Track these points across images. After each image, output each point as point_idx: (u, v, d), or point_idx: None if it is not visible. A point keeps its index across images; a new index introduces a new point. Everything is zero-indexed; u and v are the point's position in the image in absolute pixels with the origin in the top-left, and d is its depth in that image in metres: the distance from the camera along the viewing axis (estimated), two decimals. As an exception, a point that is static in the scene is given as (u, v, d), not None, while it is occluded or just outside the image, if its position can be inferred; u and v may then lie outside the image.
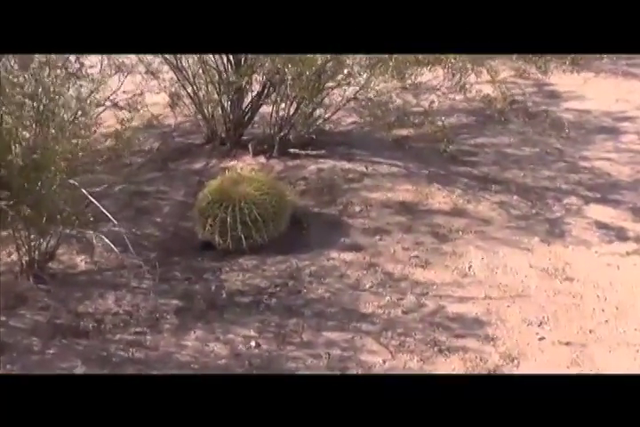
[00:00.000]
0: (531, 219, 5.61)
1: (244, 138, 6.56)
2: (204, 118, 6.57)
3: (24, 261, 4.56)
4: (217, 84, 6.26)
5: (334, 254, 5.03)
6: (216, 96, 6.29)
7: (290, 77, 5.36)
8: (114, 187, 5.58)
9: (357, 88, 5.68)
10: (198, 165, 6.29)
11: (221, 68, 6.11)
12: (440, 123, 6.04)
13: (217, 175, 6.01)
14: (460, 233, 5.38)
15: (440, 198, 5.83)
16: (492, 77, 5.76)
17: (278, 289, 4.73)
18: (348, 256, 5.03)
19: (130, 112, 6.24)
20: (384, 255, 5.08)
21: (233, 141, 6.56)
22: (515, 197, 5.88)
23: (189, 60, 6.15)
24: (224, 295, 4.66)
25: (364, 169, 6.15)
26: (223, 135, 6.58)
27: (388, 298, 4.69)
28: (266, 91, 6.18)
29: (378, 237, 5.27)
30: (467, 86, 5.75)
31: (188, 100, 6.43)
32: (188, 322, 4.42)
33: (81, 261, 5.01)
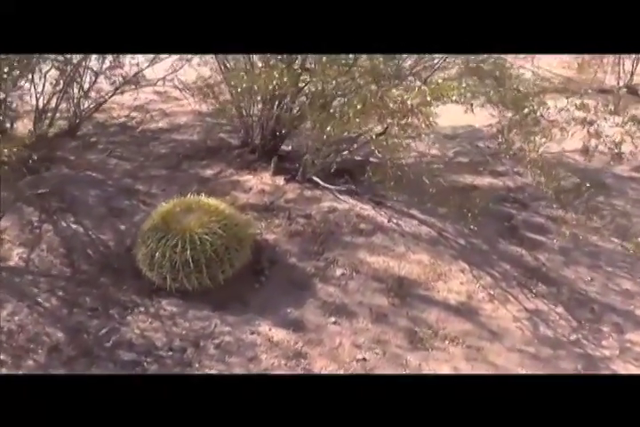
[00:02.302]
0: (562, 348, 4.03)
1: (280, 151, 5.63)
2: (243, 123, 5.75)
3: None
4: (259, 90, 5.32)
5: (264, 328, 4.01)
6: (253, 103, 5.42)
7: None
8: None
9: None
10: (210, 172, 5.52)
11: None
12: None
13: (219, 188, 5.26)
14: (447, 343, 4.02)
15: (455, 284, 4.45)
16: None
17: (170, 354, 3.86)
18: (279, 335, 3.97)
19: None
20: (323, 347, 3.93)
21: (263, 152, 5.67)
22: (559, 308, 4.29)
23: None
24: (109, 344, 3.90)
25: (385, 221, 4.92)
26: (257, 143, 5.71)
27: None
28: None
29: (333, 320, 4.11)
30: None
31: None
32: (43, 368, 3.74)
33: (17, 255, 4.53)
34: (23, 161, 5.05)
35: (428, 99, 3.50)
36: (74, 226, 4.71)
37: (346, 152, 5.07)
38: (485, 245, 4.75)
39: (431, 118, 3.62)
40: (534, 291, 4.37)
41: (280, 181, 5.39)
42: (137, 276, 4.25)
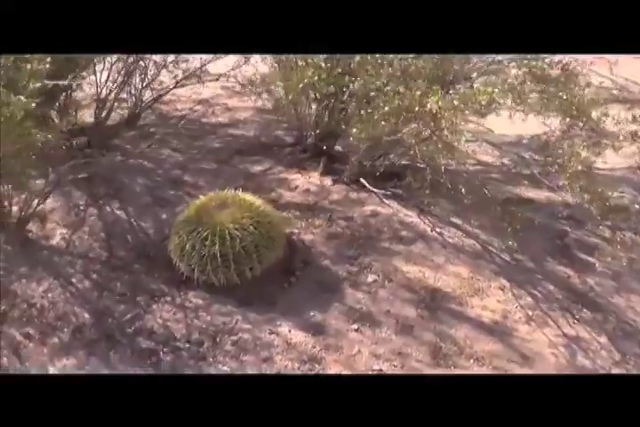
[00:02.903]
0: (599, 379, 3.73)
1: (332, 151, 5.57)
2: (298, 121, 5.73)
3: None
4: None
5: (284, 329, 3.95)
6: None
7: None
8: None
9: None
10: (259, 168, 5.53)
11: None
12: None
13: (265, 184, 5.27)
14: (472, 362, 3.83)
15: (492, 301, 4.24)
16: None
17: (187, 347, 3.87)
18: (297, 337, 3.90)
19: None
20: (340, 353, 3.83)
21: (315, 151, 5.62)
22: (602, 337, 4.01)
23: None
24: (131, 330, 3.96)
25: (428, 229, 4.76)
26: (309, 142, 5.67)
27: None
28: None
29: (356, 327, 4.00)
30: None
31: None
32: (66, 348, 3.84)
33: (59, 236, 4.68)
34: (80, 147, 5.25)
35: (456, 103, 3.32)
36: (117, 212, 4.81)
37: (393, 155, 4.92)
38: (532, 262, 4.50)
39: (456, 123, 3.42)
40: (577, 316, 4.08)
41: (327, 181, 5.32)
42: (169, 266, 4.28)
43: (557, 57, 4.30)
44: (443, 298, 4.20)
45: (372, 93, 3.87)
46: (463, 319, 4.05)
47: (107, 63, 5.37)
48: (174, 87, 5.77)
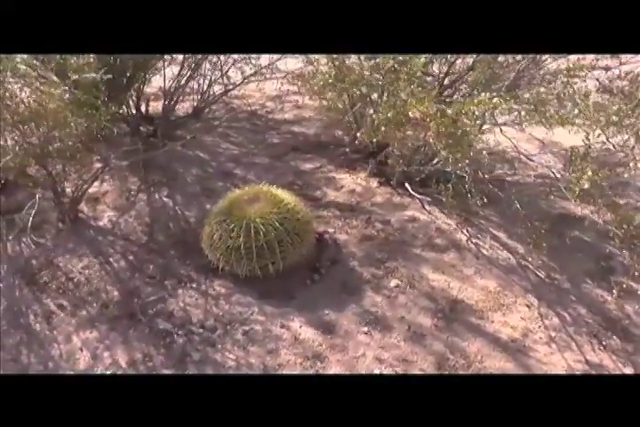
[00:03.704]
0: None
1: (386, 153, 5.58)
2: (355, 121, 5.78)
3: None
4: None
5: (295, 324, 4.03)
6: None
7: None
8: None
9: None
10: (310, 166, 5.65)
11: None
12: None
13: (312, 182, 5.38)
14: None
15: (514, 318, 4.11)
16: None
17: (200, 331, 4.04)
18: (306, 333, 3.97)
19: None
20: (344, 354, 3.86)
21: (367, 153, 5.67)
22: (628, 368, 3.79)
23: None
24: (152, 311, 4.20)
25: (464, 239, 4.68)
26: (362, 142, 5.72)
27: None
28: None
29: (366, 330, 4.02)
30: None
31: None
32: (92, 321, 4.14)
33: (107, 217, 5.02)
34: (145, 136, 5.59)
35: (450, 112, 3.23)
36: (165, 199, 5.08)
37: (435, 160, 4.86)
38: (568, 283, 4.30)
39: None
40: (604, 343, 3.86)
41: (373, 183, 5.34)
42: (202, 254, 4.46)
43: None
44: (463, 310, 4.10)
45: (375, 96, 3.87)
46: (479, 333, 3.93)
47: (178, 57, 5.67)
48: (241, 83, 5.97)
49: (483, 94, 3.73)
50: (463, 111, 3.22)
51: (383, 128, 3.66)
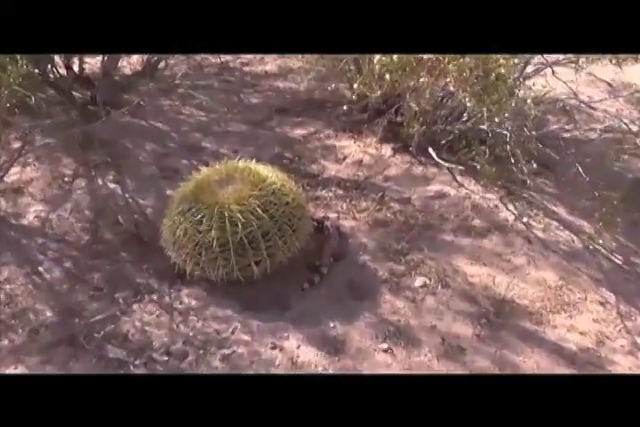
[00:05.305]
0: None
1: (400, 110, 5.41)
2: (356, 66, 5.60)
3: None
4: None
5: (291, 343, 3.85)
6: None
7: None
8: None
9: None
10: (301, 132, 5.51)
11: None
12: None
13: (306, 154, 5.22)
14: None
15: (584, 320, 3.98)
16: None
17: (165, 359, 3.86)
18: (306, 355, 3.79)
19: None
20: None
21: (377, 111, 5.49)
22: None
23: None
24: (100, 335, 4.03)
25: (511, 219, 4.51)
26: (372, 97, 5.52)
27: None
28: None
29: (385, 347, 3.84)
30: None
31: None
32: (16, 353, 3.96)
33: (33, 213, 4.83)
34: (81, 104, 5.41)
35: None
36: (112, 185, 4.90)
37: (466, 116, 4.68)
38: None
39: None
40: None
41: (387, 150, 5.20)
42: (164, 255, 4.29)
43: None
44: (514, 313, 3.95)
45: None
46: (537, 343, 3.78)
47: None
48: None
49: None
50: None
51: (388, 76, 3.47)
